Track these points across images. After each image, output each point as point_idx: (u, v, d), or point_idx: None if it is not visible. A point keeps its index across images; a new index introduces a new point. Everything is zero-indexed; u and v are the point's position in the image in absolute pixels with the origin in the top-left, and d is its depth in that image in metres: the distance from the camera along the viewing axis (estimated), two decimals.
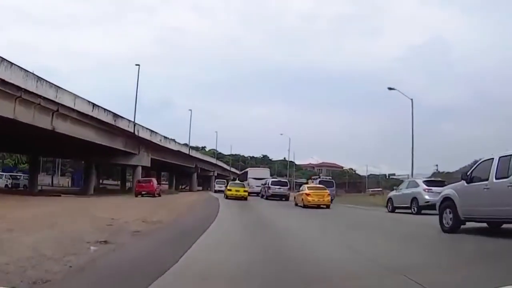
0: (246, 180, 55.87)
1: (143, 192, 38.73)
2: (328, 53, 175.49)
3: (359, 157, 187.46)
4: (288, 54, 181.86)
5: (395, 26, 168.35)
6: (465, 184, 12.40)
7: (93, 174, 49.72)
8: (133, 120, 45.91)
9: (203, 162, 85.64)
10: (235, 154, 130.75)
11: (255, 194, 49.24)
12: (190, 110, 77.29)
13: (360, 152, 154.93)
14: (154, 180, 42.53)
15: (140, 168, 50.91)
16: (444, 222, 13.04)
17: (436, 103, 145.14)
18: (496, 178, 11.28)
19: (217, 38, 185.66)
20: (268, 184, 44.68)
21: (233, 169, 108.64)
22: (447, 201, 13.10)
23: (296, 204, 31.89)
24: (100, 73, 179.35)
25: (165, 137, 56.73)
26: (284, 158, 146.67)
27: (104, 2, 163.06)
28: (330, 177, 61.84)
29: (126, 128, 43.99)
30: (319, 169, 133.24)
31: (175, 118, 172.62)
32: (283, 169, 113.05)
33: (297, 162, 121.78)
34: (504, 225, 12.18)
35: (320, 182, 43.05)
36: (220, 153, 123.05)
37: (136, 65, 48.39)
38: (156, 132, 52.61)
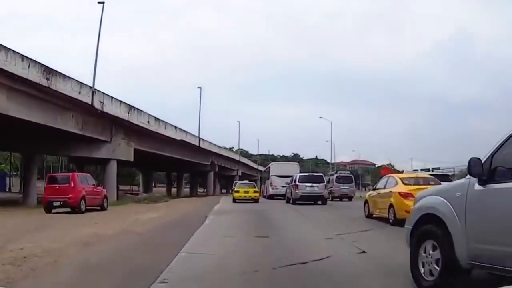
0: (268, 178, 44.48)
1: (55, 203, 20.35)
2: (355, 50, 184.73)
3: (393, 154, 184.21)
4: (314, 53, 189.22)
5: (419, 21, 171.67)
6: (476, 185, 5.20)
7: (34, 174, 32.52)
8: (92, 85, 28.81)
9: (222, 158, 68.48)
10: (265, 154, 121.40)
11: (281, 197, 37.33)
12: (200, 87, 60.27)
13: (393, 149, 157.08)
14: (77, 178, 21.92)
15: (114, 164, 33.64)
16: (421, 268, 5.72)
17: (463, 98, 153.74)
18: None
19: (243, 39, 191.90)
20: (295, 182, 30.72)
21: (261, 168, 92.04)
22: (428, 225, 5.75)
23: (370, 215, 18.25)
24: (125, 77, 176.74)
25: (157, 119, 38.99)
26: (316, 156, 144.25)
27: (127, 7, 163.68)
28: (349, 172, 50.87)
29: (77, 97, 26.74)
30: (352, 167, 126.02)
31: (203, 121, 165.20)
32: (315, 167, 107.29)
33: (328, 161, 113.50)
34: None
35: (337, 178, 39.26)
36: (247, 152, 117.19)
37: (100, 2, 31.15)
38: (139, 110, 35.05)
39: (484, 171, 5.05)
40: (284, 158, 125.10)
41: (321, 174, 36.45)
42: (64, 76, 25.62)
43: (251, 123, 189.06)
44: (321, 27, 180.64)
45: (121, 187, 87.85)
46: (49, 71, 24.26)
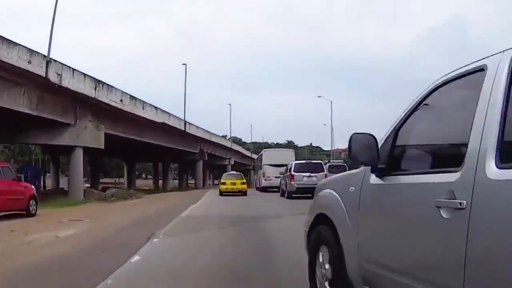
0: (261, 168, 40.31)
1: None
2: (349, 39, 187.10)
3: None
4: (308, 40, 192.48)
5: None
6: (373, 177, 3.46)
7: None
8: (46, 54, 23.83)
9: (212, 145, 63.59)
10: (258, 142, 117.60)
11: (275, 189, 33.58)
12: (185, 64, 55.31)
13: None
14: None
15: (79, 152, 28.48)
16: (318, 283, 4.25)
17: None
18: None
19: (236, 30, 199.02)
20: (290, 171, 27.11)
21: (254, 156, 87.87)
22: (321, 226, 4.26)
23: None
24: (121, 69, 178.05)
25: (133, 97, 33.88)
26: (311, 143, 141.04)
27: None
28: (342, 161, 44.60)
29: (26, 68, 21.40)
30: (347, 154, 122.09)
31: (199, 112, 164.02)
32: (310, 155, 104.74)
33: (324, 148, 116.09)
34: None
35: (329, 168, 30.71)
36: (240, 139, 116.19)
37: None
38: (109, 85, 29.91)
39: (381, 155, 3.30)
40: (279, 146, 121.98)
41: (320, 161, 32.41)
42: (9, 42, 20.68)
43: (245, 110, 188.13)
44: (315, 14, 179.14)
45: (107, 180, 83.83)
46: None
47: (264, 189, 37.05)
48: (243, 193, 31.47)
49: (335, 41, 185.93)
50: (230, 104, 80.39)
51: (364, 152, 3.34)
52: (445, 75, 3.04)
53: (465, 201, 2.35)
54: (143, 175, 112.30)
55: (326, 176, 27.45)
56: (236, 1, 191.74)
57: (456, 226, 2.40)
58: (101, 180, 77.86)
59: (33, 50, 22.40)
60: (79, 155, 28.61)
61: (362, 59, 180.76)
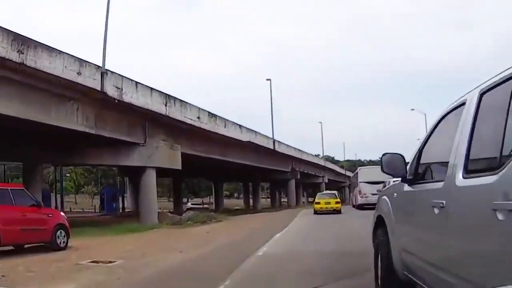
0: (357, 185, 40.41)
1: None
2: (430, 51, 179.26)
3: None
4: (397, 54, 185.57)
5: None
6: (406, 185, 4.57)
7: (35, 189, 23.17)
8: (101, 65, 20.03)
9: (303, 164, 58.75)
10: (352, 160, 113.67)
11: (372, 206, 24.55)
12: (269, 79, 50.96)
13: None
14: None
15: (152, 173, 24.82)
16: (379, 271, 5.29)
17: None
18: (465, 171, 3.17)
19: (321, 44, 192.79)
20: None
21: (348, 173, 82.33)
22: (379, 227, 5.43)
23: None
24: (202, 90, 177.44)
25: (212, 114, 29.80)
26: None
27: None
28: None
29: (75, 80, 17.78)
30: None
31: (287, 128, 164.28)
32: None
33: None
34: None
35: None
36: (333, 158, 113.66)
37: None
38: (182, 101, 26.04)
39: (411, 168, 4.46)
40: (371, 163, 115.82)
41: None
42: (50, 49, 17.12)
43: (335, 129, 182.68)
44: (398, 26, 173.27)
45: (196, 200, 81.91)
46: (22, 41, 15.88)
47: (361, 207, 35.49)
48: (337, 211, 31.80)
49: (420, 53, 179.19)
50: (320, 122, 76.19)
51: (394, 168, 4.47)
52: (448, 106, 3.97)
53: (445, 201, 3.27)
54: (235, 194, 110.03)
55: None
56: (320, 17, 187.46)
57: (442, 220, 3.29)
58: (189, 201, 76.14)
59: (82, 60, 18.74)
60: (151, 176, 25.04)
61: (446, 71, 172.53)
